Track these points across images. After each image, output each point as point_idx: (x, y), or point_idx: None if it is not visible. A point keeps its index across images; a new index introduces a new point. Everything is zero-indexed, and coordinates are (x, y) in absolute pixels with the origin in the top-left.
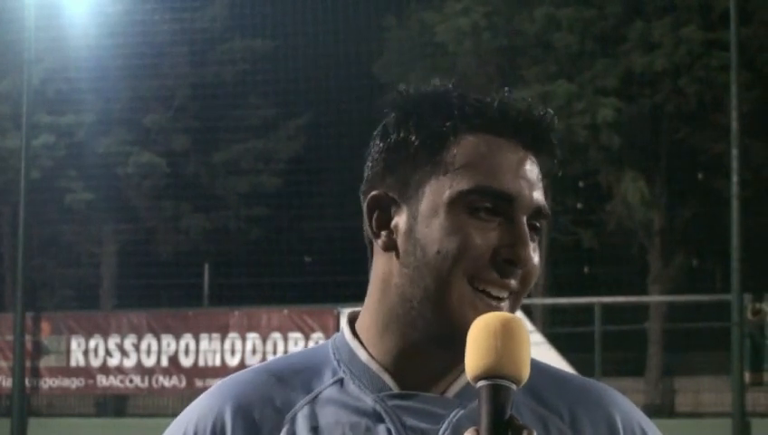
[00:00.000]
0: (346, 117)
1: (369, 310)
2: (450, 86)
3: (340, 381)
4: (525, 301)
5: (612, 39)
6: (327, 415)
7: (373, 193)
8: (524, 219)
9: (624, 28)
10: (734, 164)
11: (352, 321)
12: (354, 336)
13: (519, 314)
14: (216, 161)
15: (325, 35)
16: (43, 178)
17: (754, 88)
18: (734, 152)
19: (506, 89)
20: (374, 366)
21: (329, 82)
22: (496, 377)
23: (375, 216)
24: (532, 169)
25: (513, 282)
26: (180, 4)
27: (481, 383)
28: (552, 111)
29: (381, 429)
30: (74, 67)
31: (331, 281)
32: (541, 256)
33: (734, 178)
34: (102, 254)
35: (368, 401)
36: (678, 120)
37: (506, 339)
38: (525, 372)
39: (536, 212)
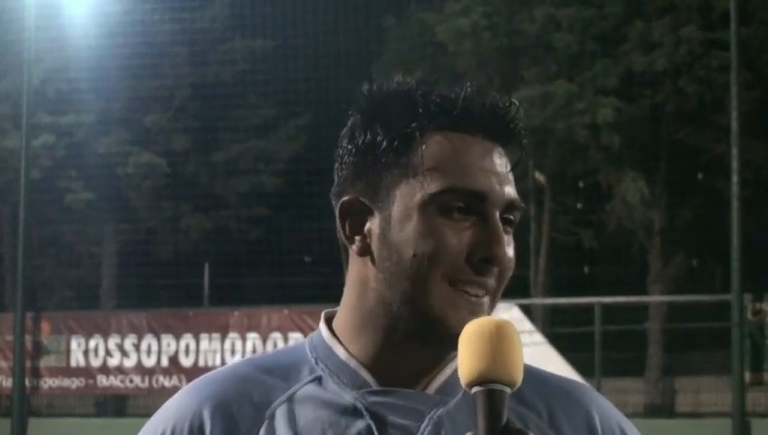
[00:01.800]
0: (346, 117)
1: (346, 310)
2: (413, 83)
3: (318, 379)
4: (525, 301)
5: (612, 39)
6: (306, 412)
7: (344, 199)
8: (497, 215)
9: (624, 28)
10: (735, 164)
11: (329, 320)
12: (332, 335)
13: (517, 310)
14: (216, 161)
15: (325, 35)
16: (43, 178)
17: (754, 88)
18: (735, 152)
19: (468, 83)
20: (353, 363)
21: (329, 83)
22: (491, 382)
23: (348, 221)
24: (501, 163)
25: (490, 280)
26: (180, 4)
27: (476, 389)
28: (516, 102)
29: (361, 425)
30: (74, 67)
31: (332, 281)
32: (517, 249)
33: (735, 178)
34: (102, 254)
35: (347, 397)
36: (678, 121)
37: (500, 343)
38: (519, 376)
39: (509, 206)
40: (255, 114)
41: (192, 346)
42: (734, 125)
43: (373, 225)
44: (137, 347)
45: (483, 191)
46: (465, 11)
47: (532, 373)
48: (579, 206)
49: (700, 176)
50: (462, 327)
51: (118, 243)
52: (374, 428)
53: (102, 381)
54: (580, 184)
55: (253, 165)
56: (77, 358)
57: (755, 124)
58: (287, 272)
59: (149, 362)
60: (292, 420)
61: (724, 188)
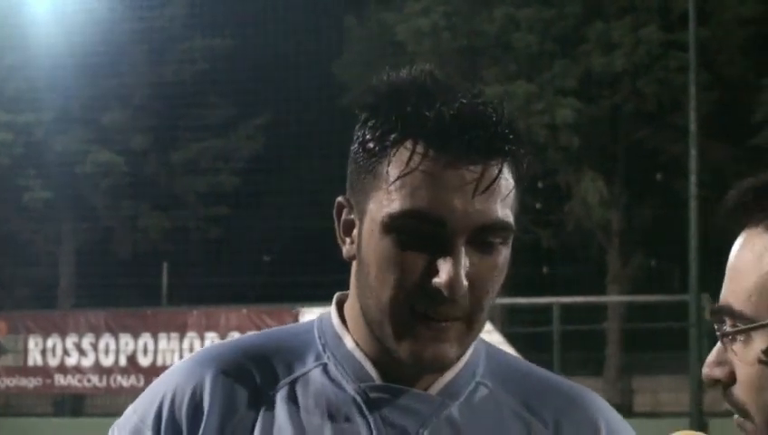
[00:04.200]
0: (306, 116)
1: (350, 301)
2: (421, 77)
3: (323, 366)
4: None
5: (572, 39)
6: (307, 398)
7: (339, 199)
8: (461, 240)
9: (583, 29)
10: (693, 165)
11: (341, 303)
12: (341, 322)
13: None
14: (175, 160)
15: (285, 35)
16: (0, 176)
17: (713, 89)
18: (693, 153)
19: (460, 94)
20: (359, 355)
21: (289, 82)
22: None
23: (341, 222)
24: (470, 182)
25: (456, 306)
26: (139, 2)
27: None
28: (502, 111)
29: (360, 420)
30: (33, 65)
31: (291, 281)
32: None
33: (693, 179)
34: (60, 253)
35: (349, 390)
36: (637, 121)
37: None
38: None
39: (482, 229)
40: (215, 113)
41: (150, 346)
42: (693, 126)
43: (356, 231)
44: (95, 346)
45: (441, 216)
46: (426, 11)
47: (539, 378)
48: (537, 206)
49: (659, 176)
50: (422, 355)
51: (76, 242)
52: (372, 424)
53: (60, 380)
54: (539, 184)
55: (212, 164)
56: (34, 357)
57: (714, 125)
58: (246, 271)
59: (107, 361)
60: (292, 406)
61: (683, 189)
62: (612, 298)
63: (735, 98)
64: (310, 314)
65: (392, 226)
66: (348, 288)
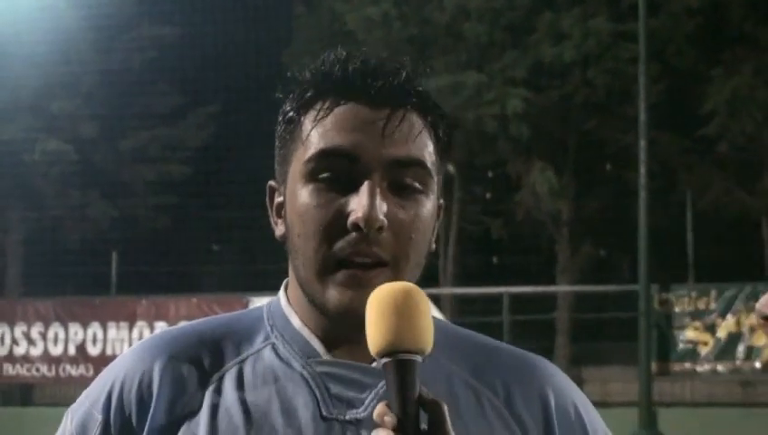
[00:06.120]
0: (255, 105)
1: (291, 281)
2: (332, 58)
3: (272, 346)
4: (434, 290)
5: (522, 29)
6: (255, 377)
7: (270, 183)
8: (375, 176)
9: (533, 19)
10: (642, 155)
11: (288, 287)
12: (289, 303)
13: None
14: (124, 149)
15: (235, 23)
16: None
17: (663, 80)
18: (642, 144)
19: (363, 49)
20: (306, 332)
21: (238, 71)
22: (399, 352)
23: (273, 205)
24: (381, 123)
25: (377, 248)
26: None
27: (384, 360)
28: (401, 65)
29: (307, 393)
30: None
31: (240, 269)
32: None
33: (642, 170)
34: (8, 242)
35: (296, 365)
36: (587, 112)
37: (403, 312)
38: (428, 342)
39: (395, 164)
40: (164, 102)
41: (99, 335)
42: (642, 117)
43: (283, 206)
44: (43, 336)
45: (353, 151)
46: (376, 0)
47: (489, 347)
48: (488, 195)
49: (608, 167)
50: (347, 302)
51: (24, 231)
52: (318, 397)
53: (8, 369)
54: (489, 174)
55: (161, 153)
56: None
57: (663, 116)
58: (195, 260)
59: (56, 350)
60: (240, 384)
61: (632, 180)
62: (562, 288)
63: (685, 89)
64: (260, 303)
65: (309, 172)
66: None
